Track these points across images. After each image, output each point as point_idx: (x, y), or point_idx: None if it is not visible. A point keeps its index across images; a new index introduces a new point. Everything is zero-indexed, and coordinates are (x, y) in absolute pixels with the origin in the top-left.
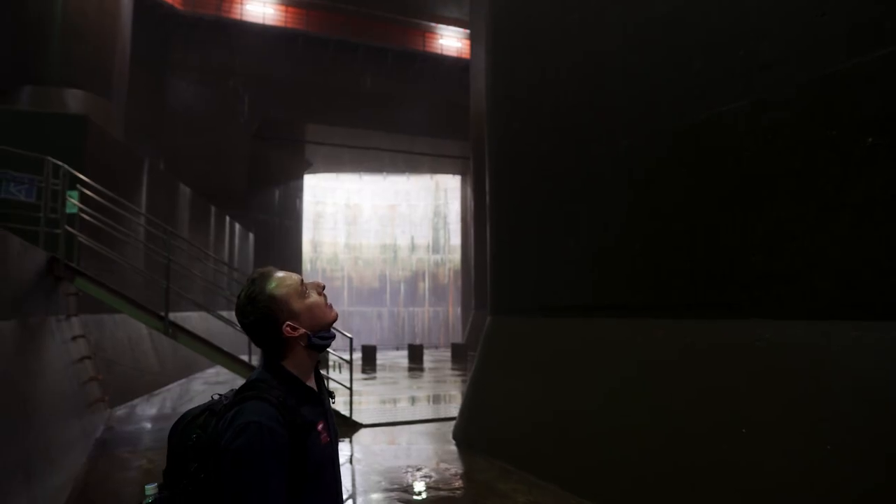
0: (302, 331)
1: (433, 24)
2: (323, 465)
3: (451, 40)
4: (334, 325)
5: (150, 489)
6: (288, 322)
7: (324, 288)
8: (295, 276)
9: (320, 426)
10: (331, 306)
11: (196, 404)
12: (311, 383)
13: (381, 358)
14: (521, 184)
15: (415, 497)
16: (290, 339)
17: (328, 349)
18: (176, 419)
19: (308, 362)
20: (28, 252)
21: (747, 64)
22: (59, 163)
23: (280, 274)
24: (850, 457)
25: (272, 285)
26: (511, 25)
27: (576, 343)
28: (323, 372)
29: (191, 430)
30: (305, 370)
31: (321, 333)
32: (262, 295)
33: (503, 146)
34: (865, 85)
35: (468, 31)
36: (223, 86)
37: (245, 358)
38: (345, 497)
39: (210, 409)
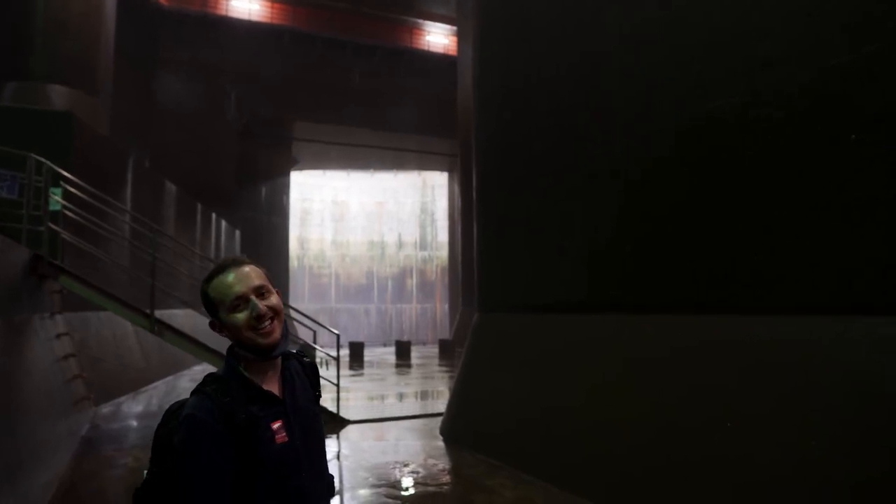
0: (227, 334)
1: (421, 21)
2: (279, 465)
3: (438, 37)
4: (274, 350)
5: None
6: (213, 321)
7: (261, 316)
8: (233, 288)
9: (275, 425)
10: (267, 332)
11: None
12: (272, 382)
13: (369, 354)
14: (511, 180)
15: (402, 493)
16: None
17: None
18: (161, 416)
19: (254, 363)
20: (11, 250)
21: (748, 62)
22: (42, 159)
23: (229, 275)
24: (841, 450)
25: (211, 285)
26: (502, 19)
27: (564, 340)
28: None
29: (169, 421)
30: (257, 368)
31: (247, 348)
32: (203, 285)
33: (492, 142)
34: (864, 82)
35: (455, 27)
36: (211, 83)
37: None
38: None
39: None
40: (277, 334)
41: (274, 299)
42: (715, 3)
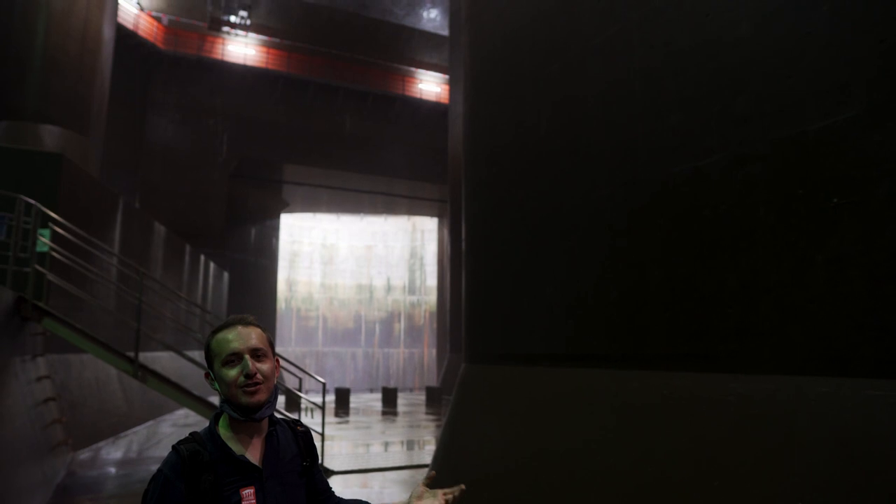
0: (216, 387)
1: (413, 69)
2: None
3: (430, 85)
4: (257, 412)
5: None
6: (208, 372)
7: (252, 377)
8: (231, 343)
9: (244, 491)
10: (253, 393)
11: (163, 447)
12: (254, 445)
13: (355, 401)
14: (498, 231)
15: None
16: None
17: (298, 398)
18: (142, 465)
19: (240, 424)
20: None
21: (723, 118)
22: (32, 201)
23: (231, 332)
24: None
25: (214, 337)
26: (491, 72)
27: (551, 393)
28: (296, 418)
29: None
30: (240, 428)
31: (233, 407)
32: (208, 338)
33: (480, 191)
34: (832, 145)
35: (447, 76)
36: (203, 124)
37: (216, 401)
38: None
39: None
40: (263, 396)
41: (268, 364)
42: (692, 60)
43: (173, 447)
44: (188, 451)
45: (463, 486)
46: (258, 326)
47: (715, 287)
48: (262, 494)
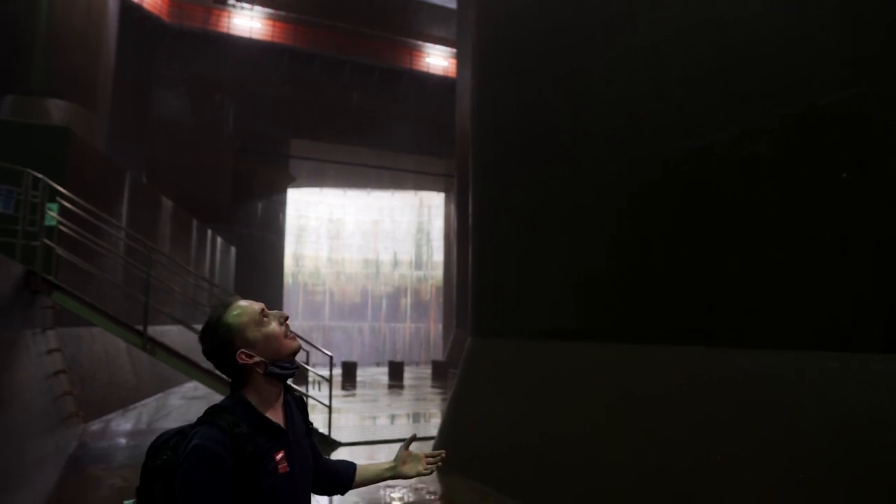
0: (258, 359)
1: (420, 43)
2: (278, 495)
3: (437, 59)
4: (296, 356)
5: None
6: (242, 350)
7: (286, 319)
8: (255, 306)
9: (278, 456)
10: (294, 337)
11: (172, 419)
12: (277, 412)
13: (362, 374)
14: (505, 207)
15: None
16: (248, 368)
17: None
18: (152, 436)
19: (269, 390)
20: (4, 265)
21: (729, 96)
22: (39, 175)
23: (242, 303)
24: (830, 491)
25: (229, 314)
26: (497, 50)
27: (557, 368)
28: (304, 391)
29: (162, 451)
30: (266, 398)
31: (280, 363)
32: (218, 322)
33: (487, 169)
34: (840, 120)
35: (455, 50)
36: (208, 99)
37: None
38: None
39: (182, 432)
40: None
41: None
42: (701, 35)
43: (206, 422)
44: (228, 424)
45: (443, 453)
46: None
47: (720, 264)
48: (292, 457)
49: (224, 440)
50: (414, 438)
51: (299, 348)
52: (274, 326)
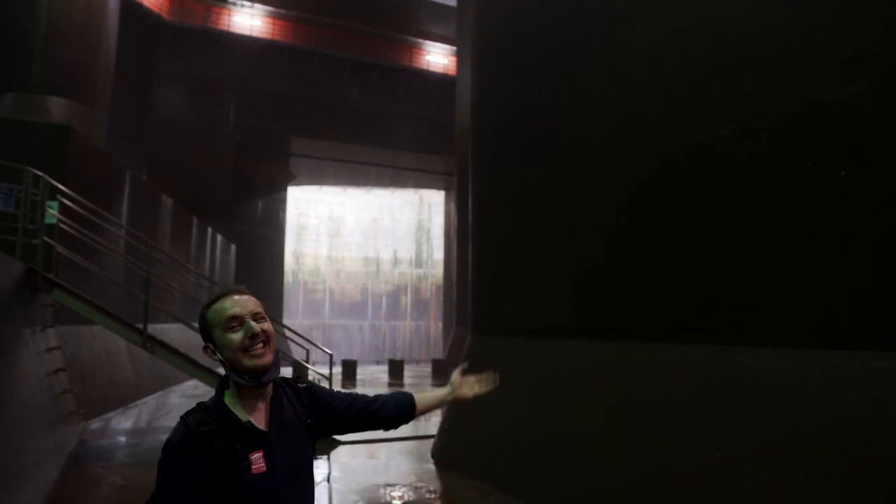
0: (219, 357)
1: (420, 41)
2: (255, 495)
3: (437, 57)
4: (261, 374)
5: None
6: (208, 344)
7: (255, 336)
8: (229, 310)
9: (254, 455)
10: (259, 355)
11: (173, 417)
12: (259, 410)
13: (362, 373)
14: (505, 205)
15: None
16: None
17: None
18: (152, 434)
19: (247, 388)
20: (4, 263)
21: (728, 94)
22: (39, 173)
23: (226, 301)
24: (830, 488)
25: (210, 307)
26: (497, 47)
27: (557, 366)
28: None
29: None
30: (245, 395)
31: (237, 372)
32: (202, 311)
33: (487, 165)
34: (841, 118)
35: (455, 48)
36: (209, 96)
37: (223, 372)
38: None
39: None
40: (269, 358)
41: (268, 325)
42: (701, 33)
43: (181, 418)
44: (196, 421)
45: (497, 374)
46: (250, 294)
47: (719, 262)
48: (271, 457)
49: (190, 436)
50: (467, 368)
51: (259, 368)
52: (234, 337)
